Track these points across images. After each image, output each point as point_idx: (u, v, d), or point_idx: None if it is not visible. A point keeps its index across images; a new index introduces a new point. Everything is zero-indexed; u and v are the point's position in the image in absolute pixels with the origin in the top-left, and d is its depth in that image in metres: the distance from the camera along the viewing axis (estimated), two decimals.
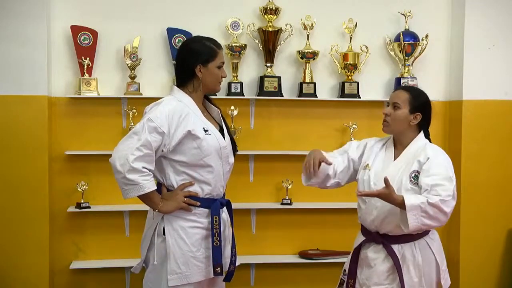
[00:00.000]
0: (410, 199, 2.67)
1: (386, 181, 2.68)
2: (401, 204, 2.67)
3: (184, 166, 2.77)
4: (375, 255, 2.87)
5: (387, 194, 2.68)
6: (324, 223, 4.51)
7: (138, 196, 2.69)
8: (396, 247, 2.82)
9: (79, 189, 4.21)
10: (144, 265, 2.90)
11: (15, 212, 4.11)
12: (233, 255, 2.92)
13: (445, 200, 2.68)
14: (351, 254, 3.00)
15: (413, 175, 2.79)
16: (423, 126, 2.93)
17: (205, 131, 2.78)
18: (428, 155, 2.79)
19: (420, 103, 2.89)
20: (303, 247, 4.51)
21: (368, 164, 2.94)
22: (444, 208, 2.67)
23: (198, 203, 2.78)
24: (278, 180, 4.47)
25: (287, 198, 4.44)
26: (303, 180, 3.04)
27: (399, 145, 2.94)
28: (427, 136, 2.95)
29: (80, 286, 4.34)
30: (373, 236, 2.89)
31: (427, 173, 2.75)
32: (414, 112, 2.87)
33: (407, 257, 2.82)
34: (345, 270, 3.01)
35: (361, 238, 2.98)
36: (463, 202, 4.46)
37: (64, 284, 4.31)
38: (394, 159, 2.90)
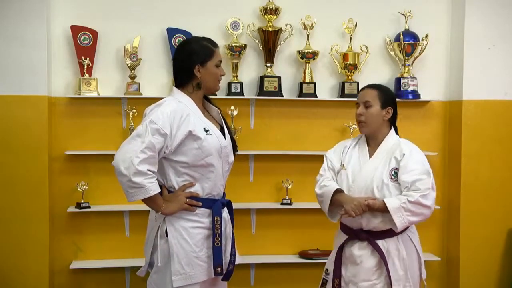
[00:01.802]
0: (391, 202, 2.77)
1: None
2: (383, 208, 2.76)
3: (185, 167, 2.76)
4: (360, 252, 2.90)
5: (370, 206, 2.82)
6: (324, 223, 4.43)
7: (142, 199, 2.69)
8: (380, 243, 2.87)
9: (79, 189, 4.21)
10: (148, 269, 2.89)
11: (15, 212, 4.11)
12: (233, 254, 2.92)
13: (424, 194, 2.78)
14: (334, 253, 3.02)
15: (392, 172, 2.86)
16: (393, 122, 3.00)
17: (206, 131, 2.77)
18: (403, 151, 2.87)
19: (389, 97, 2.98)
20: (303, 247, 4.51)
21: (343, 165, 2.99)
22: (425, 202, 2.78)
23: (200, 204, 2.78)
24: (278, 180, 4.47)
25: (287, 198, 4.44)
26: (335, 219, 3.07)
27: (372, 143, 3.00)
28: (395, 130, 3.02)
29: (80, 286, 4.34)
30: (356, 233, 2.92)
31: (405, 169, 2.82)
32: (386, 107, 2.94)
33: (392, 252, 2.86)
34: (327, 270, 3.04)
35: (343, 236, 3.00)
36: (463, 202, 4.47)
37: (64, 284, 4.31)
38: (370, 157, 2.95)
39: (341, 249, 2.97)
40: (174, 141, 2.71)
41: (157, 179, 2.78)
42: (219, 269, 2.79)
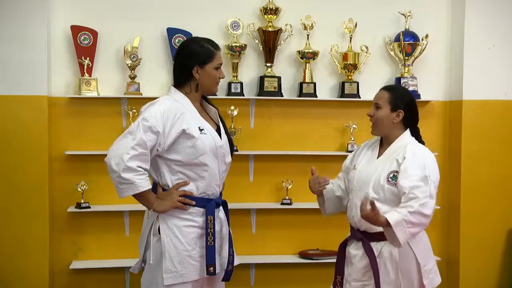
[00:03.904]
0: (393, 216, 2.65)
1: (372, 204, 2.65)
2: (385, 224, 2.67)
3: (179, 165, 2.77)
4: (355, 252, 2.91)
5: (373, 216, 2.66)
6: (324, 223, 4.48)
7: (133, 196, 2.70)
8: (374, 244, 2.85)
9: (79, 189, 4.21)
10: (143, 265, 2.90)
11: (15, 212, 4.12)
12: (231, 254, 2.91)
13: (423, 203, 2.67)
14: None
15: (391, 175, 2.79)
16: (410, 124, 2.94)
17: (201, 130, 2.78)
18: (405, 155, 2.79)
19: (401, 100, 2.89)
20: (303, 247, 4.51)
21: (354, 165, 2.98)
22: (424, 211, 2.67)
23: (194, 202, 2.78)
24: (278, 180, 4.47)
25: (287, 198, 4.44)
26: (324, 213, 3.15)
27: (385, 144, 2.96)
28: (416, 133, 2.96)
29: (80, 286, 4.34)
30: (355, 233, 2.93)
31: (404, 174, 2.74)
32: (396, 110, 2.88)
33: (384, 254, 2.84)
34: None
35: (348, 235, 3.02)
36: (463, 202, 4.47)
37: (64, 284, 4.32)
38: (378, 157, 2.92)
39: (343, 247, 2.99)
40: (168, 139, 2.71)
41: (152, 177, 2.81)
42: (212, 268, 2.78)
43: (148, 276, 2.83)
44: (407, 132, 2.92)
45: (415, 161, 2.77)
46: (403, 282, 2.83)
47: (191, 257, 2.78)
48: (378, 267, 2.81)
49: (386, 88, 2.97)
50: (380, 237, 2.83)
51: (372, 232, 2.85)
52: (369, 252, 2.84)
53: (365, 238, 2.87)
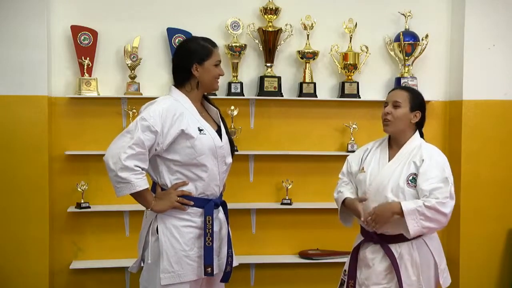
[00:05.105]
0: (407, 204, 2.72)
1: (370, 213, 2.79)
2: (399, 211, 2.72)
3: (178, 165, 2.77)
4: (373, 255, 2.89)
5: (384, 205, 2.76)
6: (324, 223, 4.51)
7: (131, 195, 2.71)
8: (393, 247, 2.84)
9: (79, 189, 4.21)
10: (141, 264, 2.91)
11: (15, 212, 4.11)
12: (230, 255, 2.90)
13: (443, 202, 2.73)
14: (350, 254, 3.02)
15: (410, 177, 2.81)
16: (419, 126, 2.96)
17: (200, 130, 2.78)
18: (423, 157, 2.82)
19: (419, 101, 2.93)
20: (303, 247, 4.51)
21: (363, 168, 2.97)
22: (442, 209, 2.72)
23: (192, 203, 2.78)
24: (278, 180, 4.47)
25: (287, 198, 4.43)
26: (348, 225, 3.12)
27: (394, 145, 2.96)
28: (421, 135, 2.97)
29: (80, 286, 4.34)
30: (370, 236, 2.91)
31: (424, 176, 2.77)
32: (414, 110, 2.90)
33: (405, 256, 2.84)
34: (345, 271, 3.02)
35: (360, 238, 3.00)
36: (463, 202, 4.46)
37: (64, 284, 4.32)
38: (389, 159, 2.92)
39: (356, 251, 2.97)
40: (166, 139, 2.72)
41: (151, 177, 2.82)
42: (210, 269, 2.78)
43: (147, 275, 2.83)
44: (417, 133, 2.95)
45: (433, 163, 2.80)
46: (424, 283, 2.84)
47: (189, 257, 2.78)
48: (399, 269, 2.81)
49: (404, 88, 3.00)
50: (398, 239, 2.83)
51: (390, 235, 2.85)
52: (390, 255, 2.83)
53: (383, 240, 2.86)
